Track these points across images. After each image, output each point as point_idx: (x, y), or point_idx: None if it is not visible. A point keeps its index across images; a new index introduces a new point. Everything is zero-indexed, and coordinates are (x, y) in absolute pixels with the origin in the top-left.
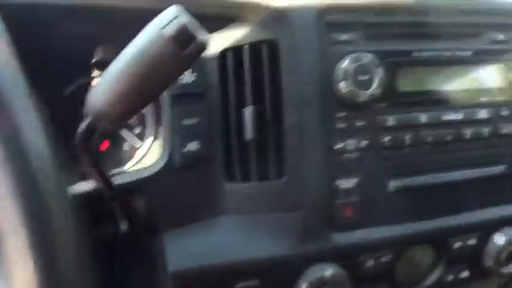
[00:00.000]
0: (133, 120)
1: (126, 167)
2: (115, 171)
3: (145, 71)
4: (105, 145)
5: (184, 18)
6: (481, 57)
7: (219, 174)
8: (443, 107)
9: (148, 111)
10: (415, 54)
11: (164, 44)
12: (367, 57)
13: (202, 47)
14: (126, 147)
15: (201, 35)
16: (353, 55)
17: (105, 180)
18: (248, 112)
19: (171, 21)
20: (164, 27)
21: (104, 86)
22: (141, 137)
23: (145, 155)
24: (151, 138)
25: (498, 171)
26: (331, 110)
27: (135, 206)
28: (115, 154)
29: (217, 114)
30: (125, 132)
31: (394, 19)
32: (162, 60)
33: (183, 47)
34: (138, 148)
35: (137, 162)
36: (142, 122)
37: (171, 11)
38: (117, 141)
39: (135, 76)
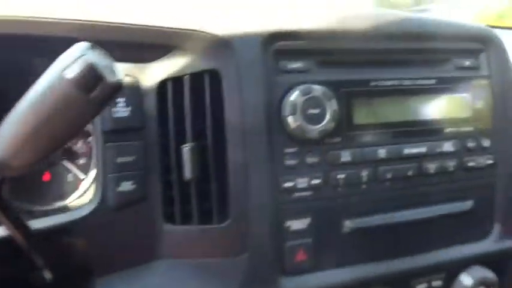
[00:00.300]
0: (78, 150)
1: (69, 200)
2: (56, 205)
3: (49, 115)
4: (46, 176)
5: (91, 57)
6: (445, 86)
7: (157, 215)
8: (404, 140)
9: (93, 141)
10: (372, 83)
11: (66, 87)
12: (319, 90)
13: (113, 88)
14: (70, 178)
15: (111, 75)
16: (302, 87)
17: (20, 227)
18: (187, 149)
19: (74, 61)
20: (66, 68)
21: (4, 131)
22: (86, 168)
23: (90, 188)
24: (95, 170)
25: (465, 207)
26: (280, 146)
27: (68, 249)
28: (59, 185)
29: (156, 151)
30: (68, 163)
31: (349, 45)
32: (66, 104)
33: (89, 89)
34: (83, 180)
35: (81, 195)
36: (87, 153)
37: (76, 49)
38: (60, 171)
39: (38, 121)
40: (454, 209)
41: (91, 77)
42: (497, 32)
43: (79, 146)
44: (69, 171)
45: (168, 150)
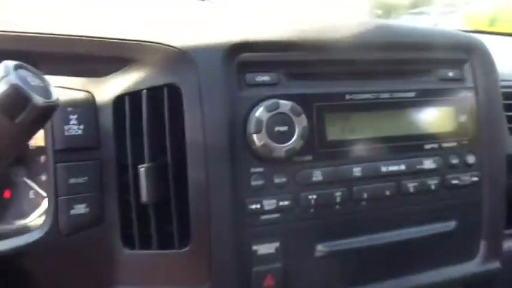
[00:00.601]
0: (40, 167)
1: (30, 219)
2: (16, 224)
3: None
4: (7, 194)
5: (14, 78)
6: (426, 98)
7: (115, 239)
8: (381, 157)
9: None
10: (348, 97)
11: None
12: (286, 105)
13: (43, 111)
14: (31, 195)
15: (41, 96)
16: (268, 102)
17: None
18: (143, 170)
19: None
20: None
21: None
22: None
23: None
24: None
25: (448, 227)
26: (245, 165)
27: (18, 275)
28: (20, 203)
29: (113, 171)
30: (28, 180)
31: (322, 56)
32: None
33: (14, 113)
34: (45, 197)
35: (42, 214)
36: None
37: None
38: (21, 189)
39: None
40: (437, 229)
41: (15, 100)
42: (487, 37)
43: (42, 162)
44: (30, 188)
45: (126, 170)
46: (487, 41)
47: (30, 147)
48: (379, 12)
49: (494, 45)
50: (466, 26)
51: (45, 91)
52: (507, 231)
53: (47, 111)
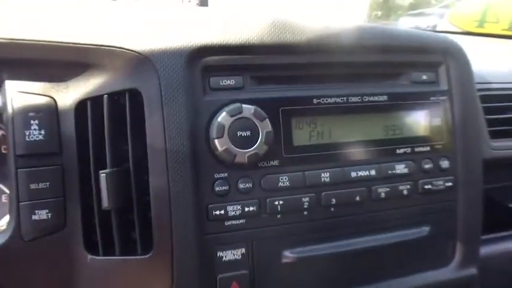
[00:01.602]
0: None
1: (1, 223)
2: None
3: None
4: None
5: None
6: (399, 102)
7: (78, 245)
8: (350, 163)
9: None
10: (315, 101)
11: None
12: (249, 109)
13: None
14: (3, 199)
15: None
16: (231, 107)
17: None
18: (104, 176)
19: None
20: None
21: None
22: None
23: None
24: None
25: (422, 233)
26: (208, 171)
27: None
28: None
29: (75, 176)
30: (0, 184)
31: (289, 60)
32: None
33: None
34: None
35: None
36: None
37: None
38: None
39: None
40: (410, 235)
41: None
42: (476, 39)
43: None
44: (2, 191)
45: (88, 176)
46: (474, 42)
47: (3, 151)
48: (378, 13)
49: (480, 47)
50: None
51: None
52: (485, 237)
53: None
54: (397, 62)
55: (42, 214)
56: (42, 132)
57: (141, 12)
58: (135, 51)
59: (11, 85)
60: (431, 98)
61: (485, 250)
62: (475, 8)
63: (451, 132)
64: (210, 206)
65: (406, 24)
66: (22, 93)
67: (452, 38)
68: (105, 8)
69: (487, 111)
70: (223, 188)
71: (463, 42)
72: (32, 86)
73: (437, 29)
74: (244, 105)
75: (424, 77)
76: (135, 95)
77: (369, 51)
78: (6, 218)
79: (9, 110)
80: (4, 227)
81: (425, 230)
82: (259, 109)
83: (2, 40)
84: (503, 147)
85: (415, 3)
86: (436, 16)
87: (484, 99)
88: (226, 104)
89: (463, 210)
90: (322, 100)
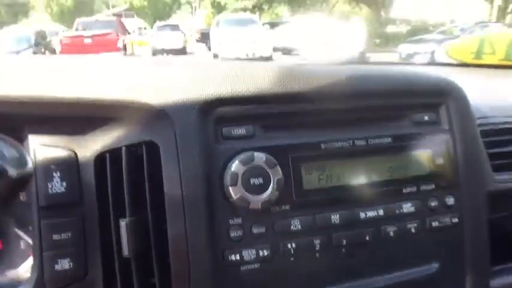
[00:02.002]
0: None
1: (21, 269)
2: (8, 275)
3: None
4: None
5: None
6: (402, 143)
7: None
8: (359, 204)
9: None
10: (323, 146)
11: None
12: (261, 157)
13: (17, 183)
14: (23, 246)
15: (15, 167)
16: (243, 155)
17: None
18: (124, 224)
19: None
20: None
21: None
22: None
23: None
24: None
25: (430, 270)
26: (224, 217)
27: None
28: (11, 254)
29: (96, 226)
30: (19, 231)
31: (295, 108)
32: None
33: None
34: None
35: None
36: None
37: None
38: (11, 239)
39: None
40: (419, 273)
41: None
42: (473, 70)
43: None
44: (21, 238)
45: (108, 225)
46: (471, 73)
47: (22, 199)
48: (377, 41)
49: (478, 79)
50: (451, 57)
51: (20, 161)
52: (497, 268)
53: (21, 181)
54: (399, 105)
55: (64, 264)
56: (64, 184)
57: (156, 67)
58: (151, 105)
59: (33, 139)
60: (434, 138)
61: (497, 282)
62: (471, 40)
63: (455, 170)
64: (225, 251)
65: (405, 50)
66: (45, 147)
67: (450, 79)
68: (121, 64)
69: (489, 145)
70: (238, 233)
71: (461, 73)
72: (54, 140)
73: (436, 55)
74: (255, 154)
75: (426, 118)
76: (152, 146)
77: (371, 96)
78: (26, 264)
79: (32, 162)
80: (23, 275)
81: (434, 266)
82: (270, 157)
83: (26, 98)
84: (507, 180)
85: (413, 30)
86: (434, 42)
87: (486, 133)
88: (239, 153)
89: (471, 244)
90: (329, 145)
